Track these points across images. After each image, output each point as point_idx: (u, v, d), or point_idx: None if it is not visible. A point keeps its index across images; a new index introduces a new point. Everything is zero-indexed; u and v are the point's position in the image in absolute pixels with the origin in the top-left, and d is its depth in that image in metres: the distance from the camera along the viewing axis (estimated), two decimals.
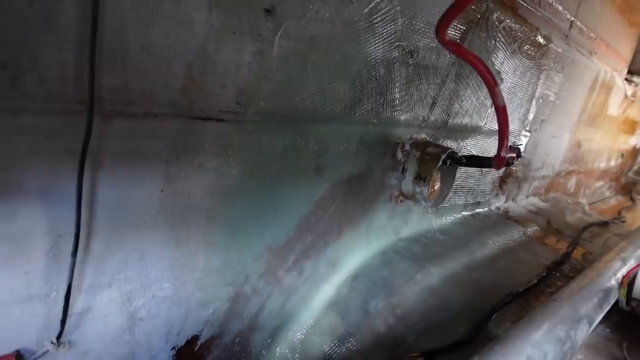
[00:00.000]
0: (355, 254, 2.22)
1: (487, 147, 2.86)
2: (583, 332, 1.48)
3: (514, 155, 1.91)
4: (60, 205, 1.19)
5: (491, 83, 1.47)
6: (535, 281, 2.38)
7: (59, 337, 1.29)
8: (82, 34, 1.06)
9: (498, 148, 1.67)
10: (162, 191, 1.37)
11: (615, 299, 1.94)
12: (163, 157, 1.33)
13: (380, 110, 1.92)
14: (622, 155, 6.35)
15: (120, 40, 1.13)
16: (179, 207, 1.44)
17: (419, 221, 2.61)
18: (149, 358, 1.59)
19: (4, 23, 0.97)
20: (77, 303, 1.31)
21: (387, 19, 1.76)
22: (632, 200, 6.42)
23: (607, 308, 1.79)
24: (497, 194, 3.39)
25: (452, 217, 2.92)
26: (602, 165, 5.68)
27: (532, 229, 3.22)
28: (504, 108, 1.52)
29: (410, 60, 1.95)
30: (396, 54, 1.87)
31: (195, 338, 1.69)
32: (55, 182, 1.16)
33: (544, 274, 2.50)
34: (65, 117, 1.11)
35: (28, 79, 1.03)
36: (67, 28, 1.05)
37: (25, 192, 1.12)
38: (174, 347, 1.64)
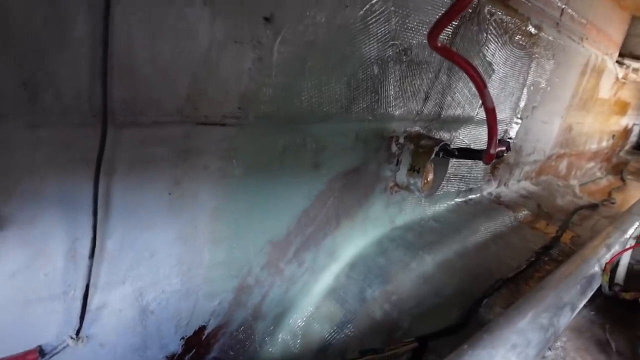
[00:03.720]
0: (352, 243, 2.31)
1: (480, 135, 2.94)
2: (566, 319, 1.59)
3: (504, 149, 1.99)
4: (76, 210, 1.26)
5: (481, 86, 1.55)
6: (525, 266, 2.49)
7: (77, 332, 1.39)
8: (94, 50, 1.13)
9: (487, 145, 1.76)
10: (170, 193, 1.45)
11: (599, 284, 2.05)
12: (171, 162, 1.41)
13: (375, 107, 1.99)
14: (614, 136, 6.44)
15: (129, 55, 1.20)
16: (186, 207, 1.52)
17: (413, 210, 2.70)
18: (160, 347, 1.68)
19: (23, 44, 1.03)
20: (94, 300, 1.40)
21: (382, 19, 1.82)
22: (623, 180, 6.54)
23: (590, 294, 1.90)
24: (489, 180, 3.49)
25: (446, 204, 3.02)
26: (594, 146, 5.78)
27: (522, 214, 3.33)
28: (493, 109, 1.60)
29: (404, 57, 2.02)
30: (390, 53, 1.93)
31: (202, 328, 1.79)
32: (71, 189, 1.24)
33: (533, 258, 2.61)
34: (80, 129, 1.18)
35: (45, 96, 1.10)
36: (80, 46, 1.11)
37: (45, 199, 1.20)
38: (183, 337, 1.74)
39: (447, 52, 1.59)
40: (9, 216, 1.16)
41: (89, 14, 1.09)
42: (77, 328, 1.38)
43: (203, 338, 1.81)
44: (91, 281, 1.35)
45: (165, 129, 1.35)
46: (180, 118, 1.36)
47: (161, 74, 1.27)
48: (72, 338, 1.39)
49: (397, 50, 1.96)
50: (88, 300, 1.37)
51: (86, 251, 1.31)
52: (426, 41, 2.04)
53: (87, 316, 1.39)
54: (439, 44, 1.51)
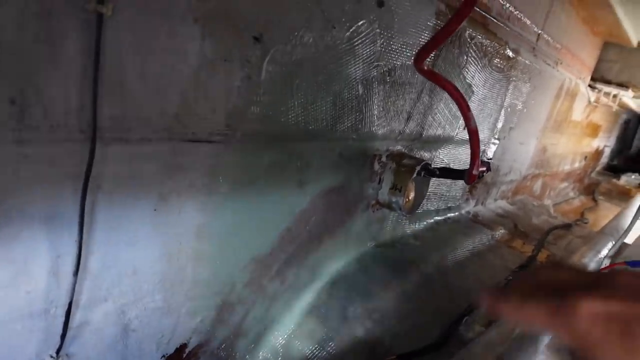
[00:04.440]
0: (334, 260, 2.32)
1: (459, 155, 2.99)
2: (545, 338, 1.62)
3: (484, 169, 2.04)
4: (60, 227, 1.25)
5: (464, 108, 1.59)
6: (503, 284, 2.52)
7: (58, 350, 1.36)
8: (84, 67, 1.13)
9: (470, 166, 1.80)
10: (155, 210, 1.44)
11: None
12: (157, 178, 1.40)
13: (360, 126, 2.02)
14: (586, 157, 6.62)
15: (119, 72, 1.20)
16: (171, 223, 1.51)
17: (393, 228, 2.73)
18: None
19: (13, 60, 1.02)
20: (75, 318, 1.38)
21: (367, 41, 1.86)
22: (595, 200, 6.71)
23: None
24: (467, 199, 3.54)
25: (425, 222, 3.05)
26: (567, 167, 5.93)
27: (499, 233, 3.39)
28: (476, 131, 1.64)
29: (388, 78, 2.06)
30: (375, 73, 1.97)
31: (184, 346, 1.77)
32: (56, 206, 1.22)
33: (511, 277, 2.65)
34: (67, 146, 1.17)
35: (34, 112, 1.09)
36: (71, 62, 1.11)
37: (29, 215, 1.18)
38: (163, 355, 1.72)
39: (432, 75, 1.64)
40: None
41: (81, 32, 1.09)
42: (58, 346, 1.36)
43: (184, 356, 1.79)
44: (73, 298, 1.33)
45: (152, 145, 1.34)
46: (168, 135, 1.36)
47: (150, 91, 1.27)
48: (51, 357, 1.36)
49: (382, 71, 2.00)
50: (70, 318, 1.34)
51: (69, 268, 1.29)
52: (409, 63, 2.11)
53: (68, 334, 1.37)
54: (425, 67, 1.55)
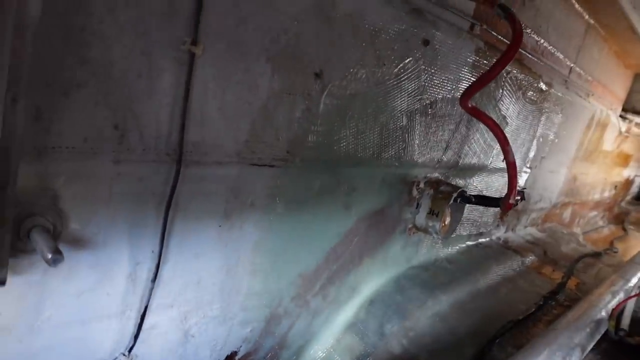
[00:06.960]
0: (372, 280, 2.44)
1: (492, 183, 3.10)
2: (577, 359, 1.71)
3: (519, 198, 2.14)
4: (140, 238, 1.40)
5: (504, 142, 1.71)
6: (534, 309, 2.60)
7: (130, 350, 1.51)
8: (175, 99, 1.29)
9: (507, 194, 1.91)
10: (220, 225, 1.59)
11: (606, 329, 2.17)
12: (224, 197, 1.56)
13: (402, 154, 2.16)
14: (616, 186, 6.61)
15: (202, 104, 1.36)
16: (232, 239, 1.66)
17: (428, 251, 2.84)
18: None
19: (120, 92, 1.19)
20: (146, 321, 1.53)
21: (412, 76, 2.00)
22: (624, 230, 6.67)
23: (597, 337, 2.02)
24: (497, 225, 3.63)
25: (458, 247, 3.15)
26: (597, 196, 5.94)
27: (529, 259, 3.46)
28: (514, 163, 1.77)
29: (430, 110, 2.19)
30: (418, 106, 2.11)
31: (234, 353, 1.91)
32: (139, 219, 1.38)
33: (541, 302, 2.73)
34: (154, 167, 1.34)
35: (131, 136, 1.25)
36: (164, 95, 1.28)
37: (116, 226, 1.34)
38: None
39: (476, 112, 1.77)
40: (85, 241, 1.30)
41: (175, 69, 1.26)
42: (130, 346, 1.51)
43: None
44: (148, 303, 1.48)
45: (223, 168, 1.50)
46: (237, 159, 1.52)
47: (226, 120, 1.43)
48: (124, 355, 1.51)
49: (424, 103, 2.14)
50: (144, 321, 1.49)
51: (145, 275, 1.45)
52: (449, 96, 2.24)
53: (139, 336, 1.52)
54: (470, 105, 1.69)
